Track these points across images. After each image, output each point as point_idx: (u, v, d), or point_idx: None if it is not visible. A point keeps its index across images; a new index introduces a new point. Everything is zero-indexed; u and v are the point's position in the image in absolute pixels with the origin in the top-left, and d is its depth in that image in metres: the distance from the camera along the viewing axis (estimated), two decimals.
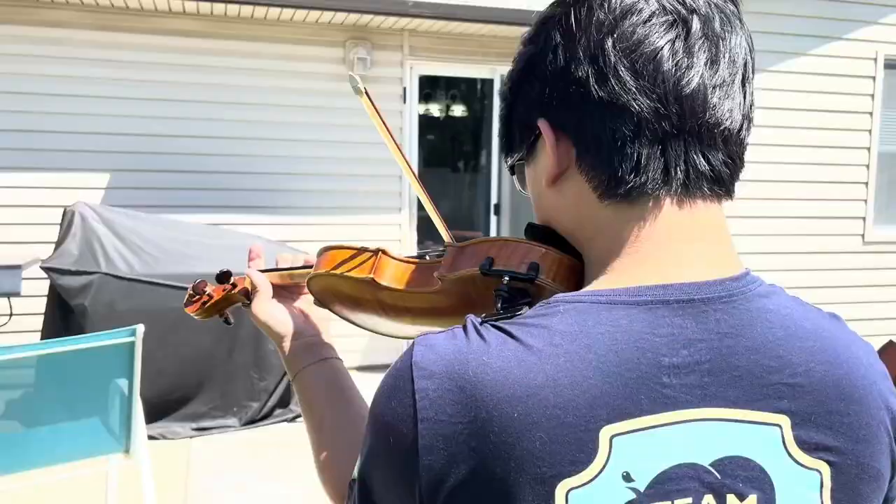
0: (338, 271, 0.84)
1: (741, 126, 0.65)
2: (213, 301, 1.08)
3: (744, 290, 0.62)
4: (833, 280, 5.77)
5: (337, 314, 0.95)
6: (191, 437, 4.32)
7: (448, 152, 6.85)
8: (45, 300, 4.39)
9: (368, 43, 5.73)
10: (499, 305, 0.66)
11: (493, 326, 0.59)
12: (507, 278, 0.67)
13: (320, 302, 0.95)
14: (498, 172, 6.38)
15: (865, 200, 5.90)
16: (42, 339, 4.33)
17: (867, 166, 5.86)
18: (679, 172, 0.62)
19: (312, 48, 5.67)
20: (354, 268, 0.83)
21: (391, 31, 5.81)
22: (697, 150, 0.62)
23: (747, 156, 0.67)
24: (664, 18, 0.62)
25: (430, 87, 6.39)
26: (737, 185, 0.67)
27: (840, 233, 5.88)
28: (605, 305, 0.59)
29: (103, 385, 2.79)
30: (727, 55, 0.63)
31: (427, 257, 0.82)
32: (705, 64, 0.62)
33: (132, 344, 2.71)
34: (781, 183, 5.66)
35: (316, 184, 5.74)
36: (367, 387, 0.74)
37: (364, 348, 5.54)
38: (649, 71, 0.61)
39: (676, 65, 0.61)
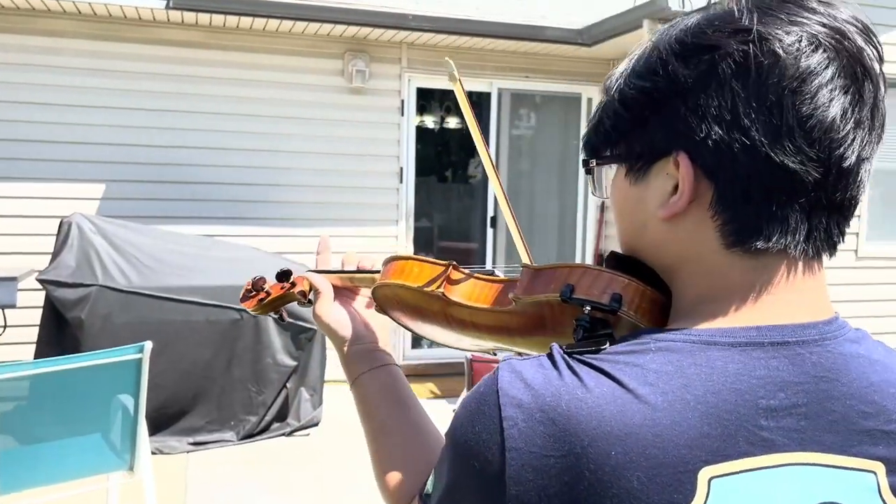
0: (408, 283, 0.84)
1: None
2: (270, 298, 1.08)
3: (835, 334, 0.62)
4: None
5: (395, 320, 0.94)
6: (188, 452, 4.27)
7: (444, 164, 6.85)
8: (40, 312, 4.34)
9: (367, 55, 5.74)
10: (579, 335, 0.64)
11: (583, 362, 0.58)
12: (588, 308, 0.65)
13: (381, 308, 0.94)
14: None
15: (859, 216, 5.94)
16: (36, 351, 4.27)
17: None
18: (817, 240, 0.62)
19: (311, 60, 5.66)
20: (425, 281, 0.83)
21: (390, 44, 5.82)
22: (835, 220, 0.62)
23: None
24: (843, 82, 0.59)
25: (425, 99, 6.40)
26: None
27: None
28: (699, 345, 0.58)
29: (106, 402, 2.75)
30: (879, 126, 0.62)
31: (496, 274, 0.80)
32: (863, 137, 0.60)
33: (139, 361, 2.68)
34: None
35: (313, 195, 5.72)
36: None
37: None
38: (822, 141, 0.59)
39: (843, 137, 0.59)
